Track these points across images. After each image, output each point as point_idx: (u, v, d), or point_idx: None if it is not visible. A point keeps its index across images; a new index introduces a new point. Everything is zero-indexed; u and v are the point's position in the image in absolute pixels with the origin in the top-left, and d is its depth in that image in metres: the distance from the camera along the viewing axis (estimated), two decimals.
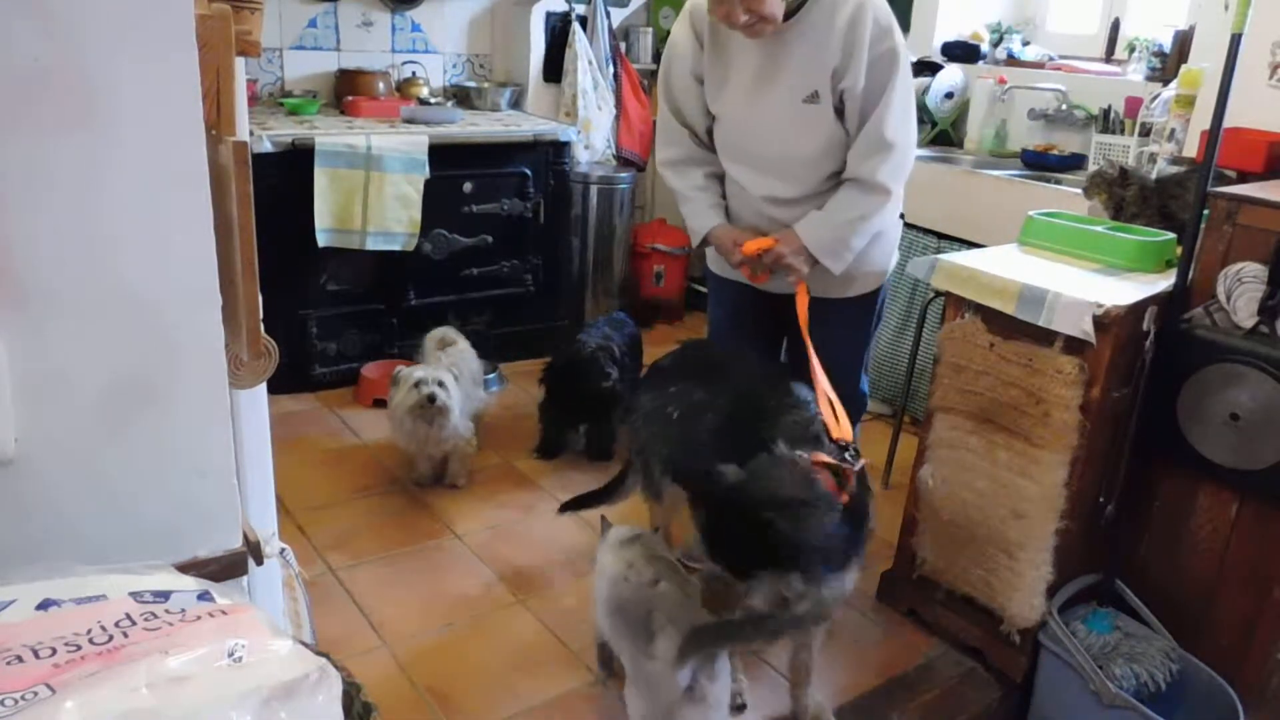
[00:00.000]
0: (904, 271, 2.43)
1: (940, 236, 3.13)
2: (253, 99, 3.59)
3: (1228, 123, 1.84)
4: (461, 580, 2.38)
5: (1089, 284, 1.94)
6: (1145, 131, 3.01)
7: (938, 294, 2.29)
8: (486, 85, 4.05)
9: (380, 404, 3.18)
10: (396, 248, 3.32)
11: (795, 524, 1.55)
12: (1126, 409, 1.97)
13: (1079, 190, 2.51)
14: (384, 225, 3.26)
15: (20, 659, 0.71)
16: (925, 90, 3.57)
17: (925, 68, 3.63)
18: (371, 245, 3.27)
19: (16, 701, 0.66)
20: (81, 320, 0.90)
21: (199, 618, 0.79)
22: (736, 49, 2.07)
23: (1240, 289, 1.84)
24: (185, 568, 0.94)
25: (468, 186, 3.50)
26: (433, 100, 3.91)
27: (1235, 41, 1.78)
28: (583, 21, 4.03)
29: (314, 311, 3.36)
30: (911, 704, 2.05)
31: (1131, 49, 3.38)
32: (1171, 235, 2.10)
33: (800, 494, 1.58)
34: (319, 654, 0.81)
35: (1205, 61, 2.60)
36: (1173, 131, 2.74)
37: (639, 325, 3.33)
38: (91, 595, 0.80)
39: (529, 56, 4.05)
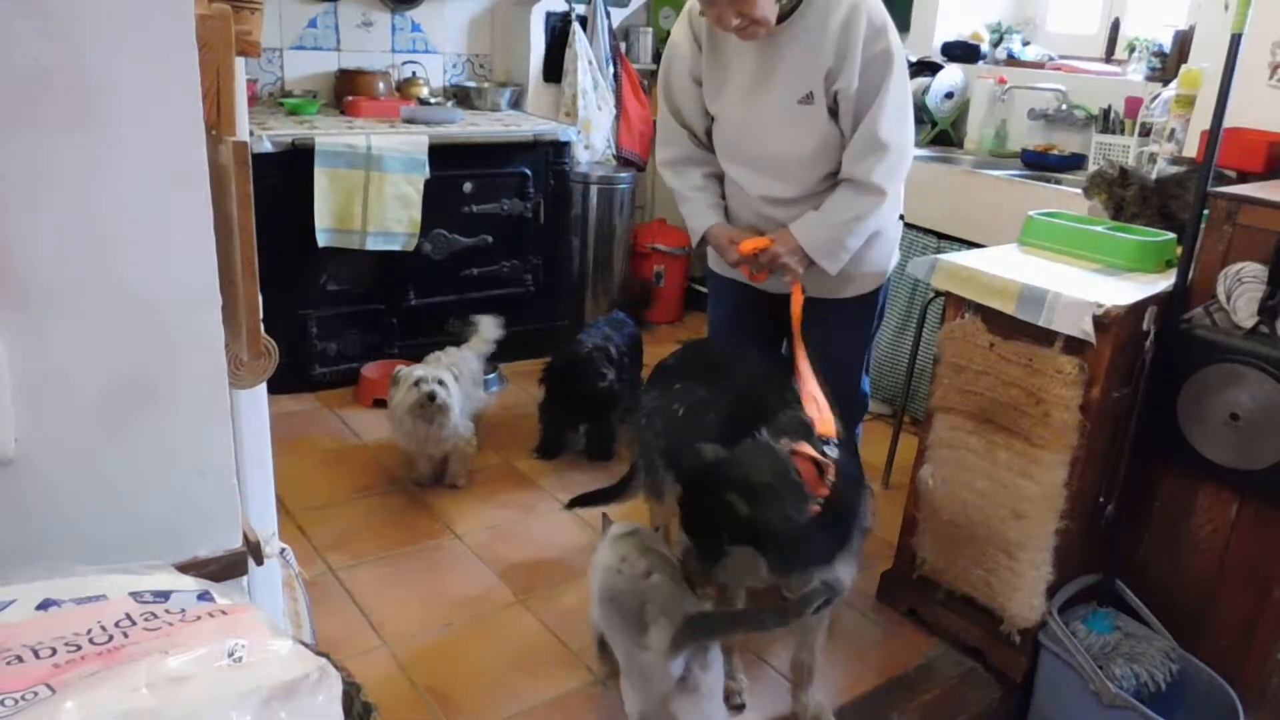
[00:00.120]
0: (904, 271, 2.44)
1: (940, 236, 3.13)
2: (253, 99, 3.59)
3: (1228, 123, 1.84)
4: (461, 580, 2.38)
5: (1089, 284, 1.94)
6: (1145, 131, 3.01)
7: (938, 294, 2.29)
8: (486, 85, 4.05)
9: (380, 404, 3.18)
10: (396, 248, 3.32)
11: (756, 502, 1.58)
12: (1126, 409, 1.97)
13: (1079, 190, 2.51)
14: (384, 225, 3.26)
15: (20, 659, 0.71)
16: (925, 90, 3.57)
17: (925, 68, 3.63)
18: (371, 245, 3.27)
19: (16, 701, 0.66)
20: (81, 320, 0.90)
21: (199, 618, 0.79)
22: (733, 51, 2.08)
23: (1240, 289, 1.84)
24: (185, 568, 0.94)
25: (468, 186, 3.50)
26: (433, 100, 3.91)
27: (1235, 41, 1.78)
28: (583, 21, 4.03)
29: (314, 311, 3.36)
30: (911, 704, 2.05)
31: (1131, 49, 3.38)
32: (1171, 235, 2.10)
33: (768, 476, 1.61)
34: (319, 654, 0.81)
35: (1205, 61, 2.60)
36: (1173, 131, 2.74)
37: (638, 325, 3.33)
38: (91, 595, 0.80)
39: (529, 56, 4.05)
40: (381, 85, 3.75)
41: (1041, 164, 3.34)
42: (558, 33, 4.03)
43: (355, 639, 2.12)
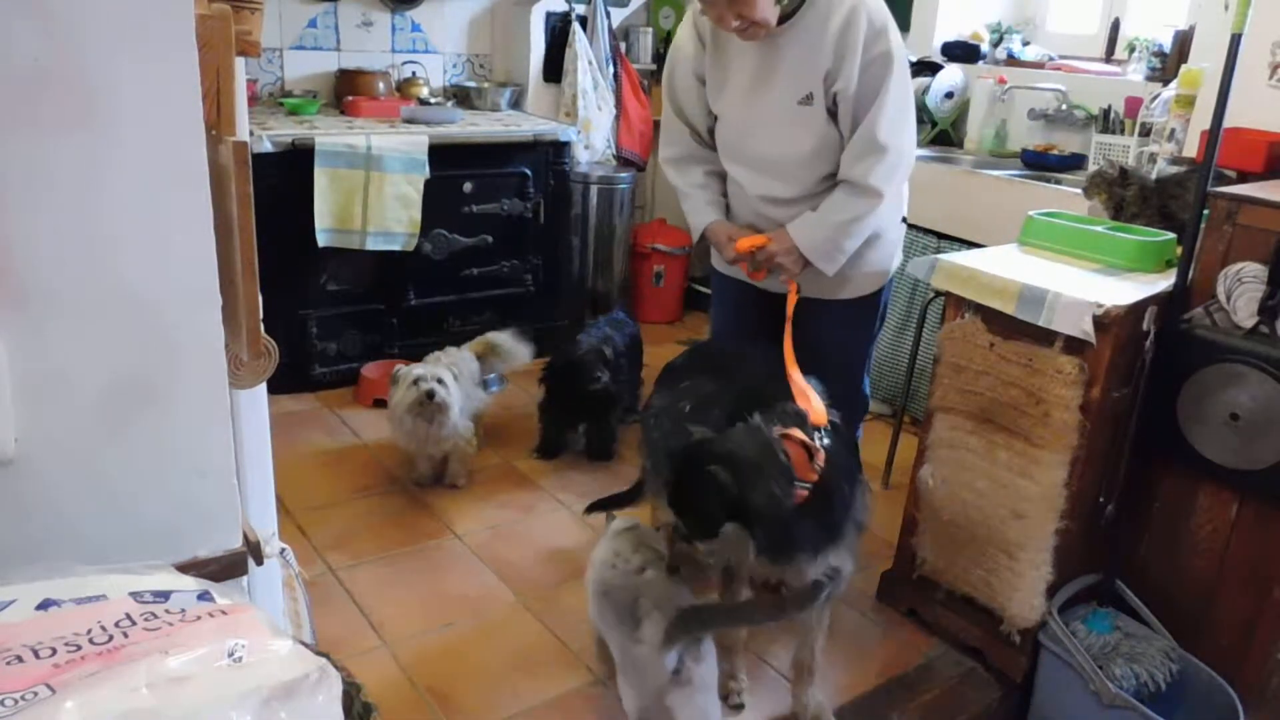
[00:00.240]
0: (904, 271, 2.44)
1: (940, 236, 3.13)
2: (253, 99, 3.59)
3: (1228, 123, 1.84)
4: (461, 580, 2.38)
5: (1089, 284, 1.94)
6: (1145, 131, 3.01)
7: (938, 294, 2.29)
8: (486, 85, 4.05)
9: (380, 404, 3.18)
10: (396, 248, 3.32)
11: (740, 474, 1.60)
12: (1126, 409, 1.97)
13: (1079, 190, 2.51)
14: (384, 225, 3.26)
15: (20, 659, 0.71)
16: (925, 90, 3.57)
17: (925, 68, 3.63)
18: (371, 245, 3.27)
19: (16, 701, 0.66)
20: (81, 320, 0.90)
21: (199, 618, 0.79)
22: (735, 51, 2.08)
23: (1240, 289, 1.84)
24: (185, 568, 0.94)
25: (468, 186, 3.50)
26: (433, 100, 3.91)
27: (1235, 41, 1.78)
28: (583, 21, 4.03)
29: (314, 311, 3.36)
30: (911, 704, 2.05)
31: (1131, 49, 3.38)
32: (1171, 235, 2.10)
33: (753, 453, 1.63)
34: (319, 654, 0.81)
35: (1205, 61, 2.60)
36: (1173, 131, 2.74)
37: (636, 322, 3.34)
38: (91, 595, 0.80)
39: (529, 56, 4.05)
40: (381, 85, 3.75)
41: (1041, 164, 3.34)
42: (558, 33, 4.03)
43: (355, 639, 2.12)
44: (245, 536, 1.07)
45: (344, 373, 3.44)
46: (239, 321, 1.04)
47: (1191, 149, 2.57)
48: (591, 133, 4.04)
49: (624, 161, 4.23)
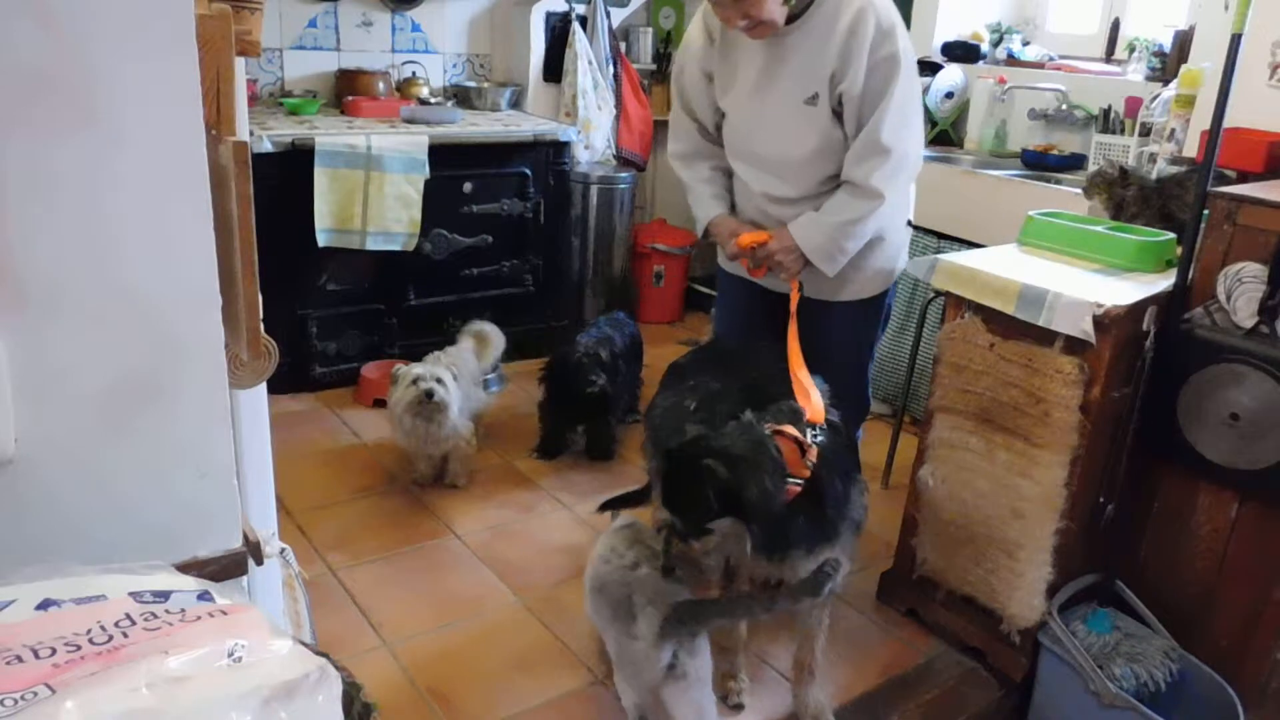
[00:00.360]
0: (904, 271, 2.44)
1: (940, 236, 3.13)
2: (253, 99, 3.59)
3: (1228, 123, 1.84)
4: (461, 580, 2.38)
5: (1089, 284, 1.94)
6: (1145, 131, 3.01)
7: (938, 294, 2.29)
8: (486, 85, 4.05)
9: (380, 404, 3.18)
10: (396, 248, 3.32)
11: (732, 468, 1.60)
12: (1126, 409, 1.97)
13: (1079, 190, 2.51)
14: (384, 225, 3.26)
15: (20, 659, 0.71)
16: (925, 90, 3.57)
17: (925, 68, 3.63)
18: (371, 245, 3.27)
19: (16, 701, 0.65)
20: (82, 320, 0.90)
21: (199, 618, 0.79)
22: (744, 49, 2.09)
23: (1240, 289, 1.84)
24: (185, 568, 0.94)
25: (468, 186, 3.50)
26: (433, 100, 3.91)
27: (1235, 41, 1.78)
28: (583, 21, 4.02)
29: (314, 311, 3.36)
30: (911, 704, 2.05)
31: (1131, 49, 3.38)
32: (1171, 235, 2.10)
33: (744, 448, 1.64)
34: (319, 654, 0.81)
35: (1205, 61, 2.60)
36: (1173, 131, 2.74)
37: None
38: (91, 595, 0.80)
39: (529, 56, 4.05)
40: (381, 85, 3.75)
41: (1041, 164, 3.34)
42: (558, 33, 4.03)
43: (355, 639, 2.13)
44: (245, 536, 1.07)
45: (344, 373, 3.44)
46: (239, 321, 1.04)
47: (1191, 149, 2.57)
48: (591, 133, 4.04)
49: (624, 161, 4.23)
